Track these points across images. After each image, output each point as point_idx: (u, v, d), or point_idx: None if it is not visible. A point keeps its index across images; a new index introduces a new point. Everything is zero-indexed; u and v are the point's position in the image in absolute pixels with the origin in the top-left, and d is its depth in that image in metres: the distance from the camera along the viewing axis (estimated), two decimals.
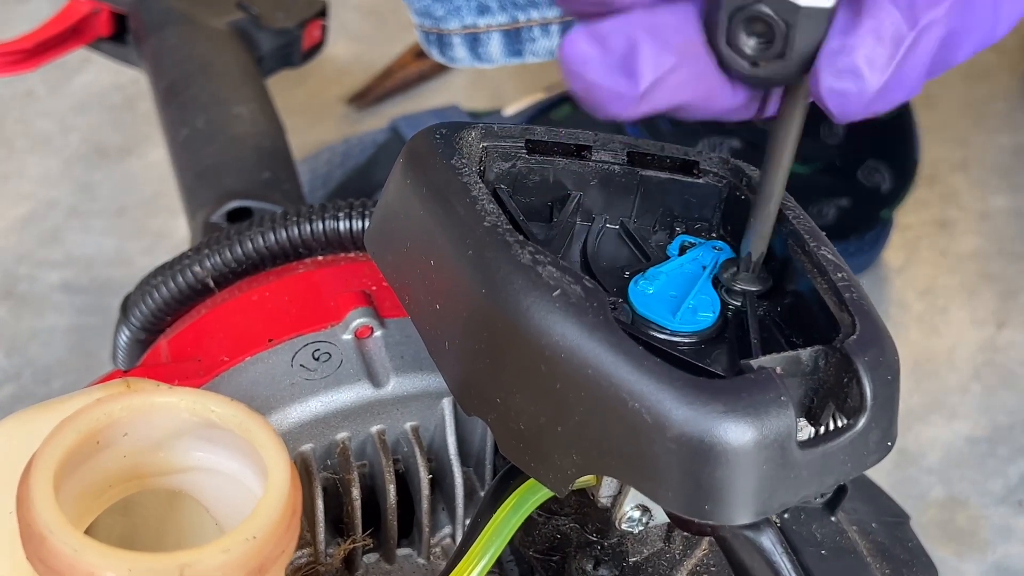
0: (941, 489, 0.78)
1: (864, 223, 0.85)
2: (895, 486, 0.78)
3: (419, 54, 1.04)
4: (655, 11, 0.34)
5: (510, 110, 0.88)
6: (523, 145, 0.42)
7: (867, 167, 0.83)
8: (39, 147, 1.00)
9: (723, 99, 0.36)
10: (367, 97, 1.04)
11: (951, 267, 0.92)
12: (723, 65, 0.35)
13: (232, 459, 0.36)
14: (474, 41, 0.63)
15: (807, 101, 0.35)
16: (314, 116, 1.04)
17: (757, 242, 0.39)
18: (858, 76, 0.33)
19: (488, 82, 1.06)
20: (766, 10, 0.33)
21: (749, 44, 0.34)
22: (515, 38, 0.63)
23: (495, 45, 0.63)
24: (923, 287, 0.91)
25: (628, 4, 0.34)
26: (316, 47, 0.85)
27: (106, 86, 1.05)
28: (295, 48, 0.82)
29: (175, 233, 0.93)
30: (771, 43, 0.33)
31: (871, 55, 0.33)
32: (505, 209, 0.40)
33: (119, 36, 0.82)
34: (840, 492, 0.47)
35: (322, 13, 0.84)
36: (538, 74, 0.98)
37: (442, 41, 0.64)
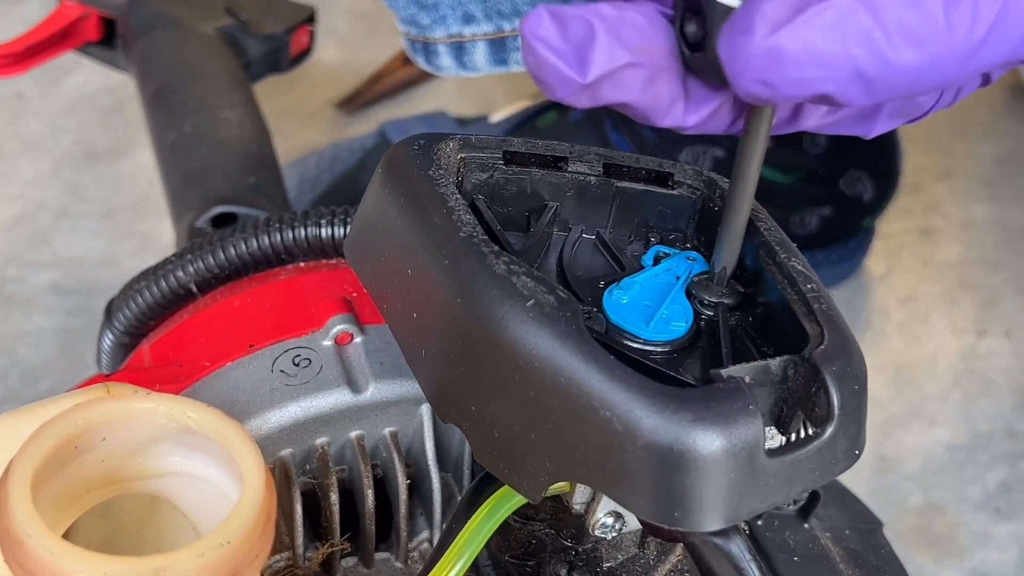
0: (920, 496, 0.79)
1: (846, 232, 0.86)
2: (874, 492, 0.78)
3: (407, 59, 1.05)
4: (622, 6, 0.35)
5: (497, 116, 0.88)
6: (500, 156, 0.42)
7: (849, 176, 0.84)
8: (29, 149, 1.00)
9: (670, 109, 0.36)
10: (355, 102, 1.05)
11: (933, 275, 0.93)
12: (680, 47, 0.36)
13: (209, 464, 0.36)
14: (459, 50, 0.64)
15: (771, 121, 0.36)
16: (303, 120, 1.04)
17: (726, 256, 0.40)
18: (749, 30, 0.31)
19: (475, 88, 1.07)
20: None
21: (689, 30, 0.35)
22: (500, 47, 0.64)
23: (480, 54, 0.64)
24: (905, 295, 0.92)
25: None
26: (304, 53, 0.85)
27: (96, 89, 1.05)
28: (283, 54, 0.82)
29: (163, 235, 0.93)
30: (702, 36, 0.34)
31: (768, 13, 0.31)
32: (482, 219, 0.40)
33: (108, 40, 0.82)
34: (813, 499, 0.48)
35: (310, 19, 0.84)
36: (525, 80, 0.98)
37: (428, 49, 0.65)
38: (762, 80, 0.32)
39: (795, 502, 0.47)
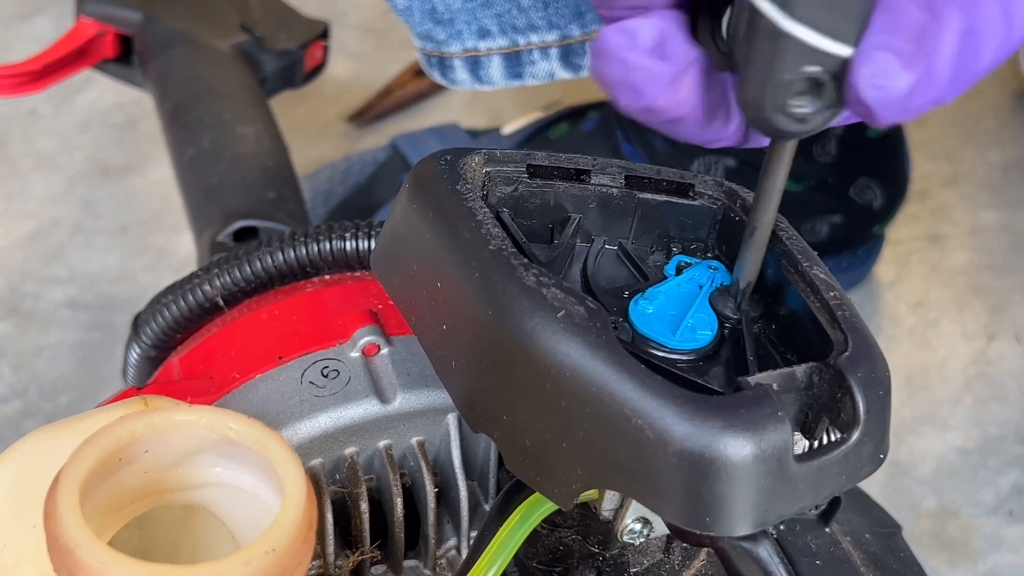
0: (933, 500, 0.80)
1: (856, 239, 0.87)
2: (888, 497, 0.79)
3: (418, 73, 1.06)
4: (679, 12, 0.37)
5: (508, 129, 0.89)
6: (524, 170, 0.43)
7: (859, 185, 0.84)
8: (43, 165, 1.01)
9: (719, 120, 0.38)
10: (367, 115, 1.06)
11: (942, 281, 0.94)
12: (767, 130, 0.36)
13: (249, 474, 0.37)
14: (475, 64, 0.65)
15: (794, 148, 0.37)
16: (315, 134, 1.05)
17: (748, 272, 0.40)
18: (892, 74, 0.33)
19: (486, 101, 1.08)
20: (816, 70, 0.34)
21: (800, 105, 0.35)
22: (515, 61, 0.64)
23: (495, 68, 0.65)
24: (915, 301, 0.92)
25: (656, 5, 0.36)
26: (318, 68, 0.86)
27: (108, 105, 1.06)
28: (297, 69, 0.83)
29: (178, 250, 0.94)
30: (820, 97, 0.34)
31: (901, 51, 0.33)
32: (508, 232, 0.41)
33: (124, 58, 0.83)
34: (834, 504, 0.48)
35: (324, 35, 0.85)
36: (536, 93, 0.99)
37: (443, 64, 0.65)
38: (905, 110, 0.34)
39: (816, 507, 0.48)
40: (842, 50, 0.33)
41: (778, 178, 0.38)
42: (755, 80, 0.34)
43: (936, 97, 0.34)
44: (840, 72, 0.34)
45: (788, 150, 0.37)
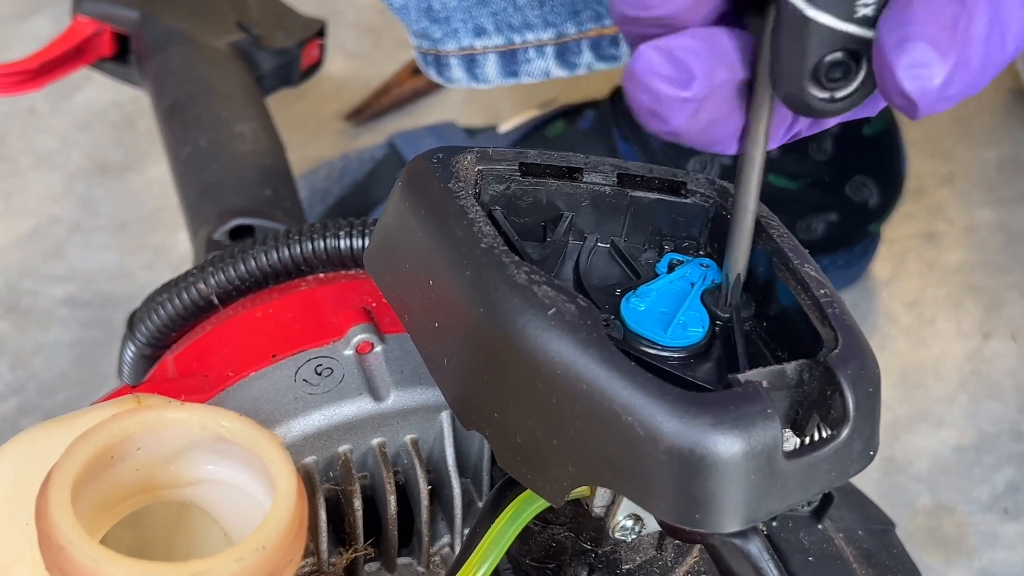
0: (929, 497, 0.80)
1: (852, 237, 0.87)
2: (884, 494, 0.79)
3: (415, 71, 1.06)
4: (715, 28, 0.36)
5: (505, 127, 0.89)
6: (517, 168, 0.43)
7: (855, 182, 0.85)
8: (41, 163, 1.01)
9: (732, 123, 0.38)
10: (364, 114, 1.06)
11: (938, 279, 0.94)
12: (798, 108, 0.37)
13: (241, 472, 0.37)
14: (471, 62, 0.65)
15: (768, 132, 0.37)
16: (312, 132, 1.05)
17: (735, 264, 0.41)
18: (929, 63, 0.34)
19: (483, 99, 1.08)
20: (847, 50, 0.35)
21: (831, 82, 0.36)
22: (511, 59, 0.65)
23: (491, 66, 0.65)
24: (910, 299, 0.93)
25: (686, 22, 0.36)
26: (314, 66, 0.87)
27: (106, 103, 1.07)
28: (294, 67, 0.83)
29: (176, 248, 0.94)
30: (849, 76, 0.36)
31: (936, 40, 0.34)
32: (500, 230, 0.41)
33: (121, 56, 0.83)
34: (827, 500, 0.49)
35: (320, 33, 0.86)
36: (532, 91, 1.00)
37: (439, 62, 0.66)
38: (944, 99, 0.35)
39: (809, 504, 0.48)
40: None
41: (755, 163, 0.38)
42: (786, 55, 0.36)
43: (969, 85, 0.35)
44: (861, 51, 0.35)
45: (761, 135, 0.37)
